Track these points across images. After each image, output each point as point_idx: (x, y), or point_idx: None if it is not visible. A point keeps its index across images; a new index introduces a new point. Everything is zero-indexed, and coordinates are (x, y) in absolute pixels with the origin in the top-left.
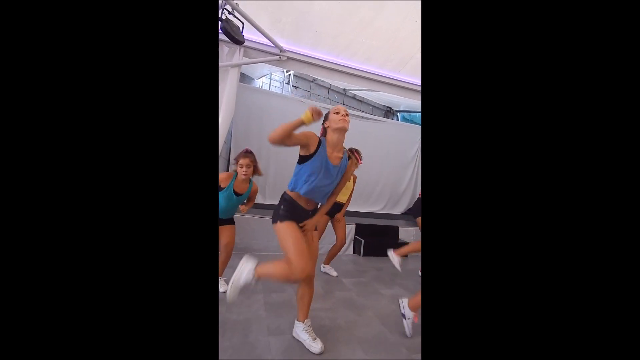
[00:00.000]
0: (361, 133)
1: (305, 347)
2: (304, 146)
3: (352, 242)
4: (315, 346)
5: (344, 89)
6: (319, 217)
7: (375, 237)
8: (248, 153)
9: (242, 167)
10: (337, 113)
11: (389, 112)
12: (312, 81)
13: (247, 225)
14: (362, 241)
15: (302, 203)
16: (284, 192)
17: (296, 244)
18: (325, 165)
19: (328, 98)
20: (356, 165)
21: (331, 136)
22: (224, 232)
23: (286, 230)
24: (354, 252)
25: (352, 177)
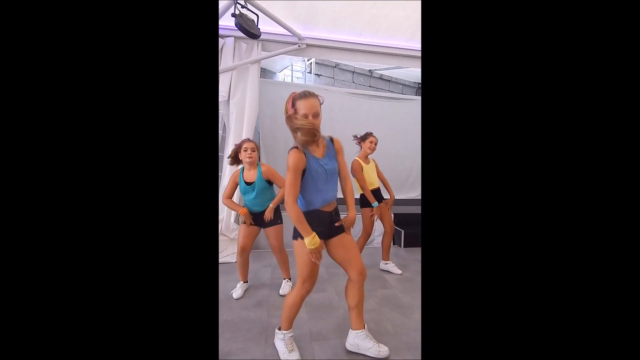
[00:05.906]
0: (390, 115)
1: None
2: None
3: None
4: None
5: (370, 70)
6: (353, 213)
7: (416, 227)
8: (250, 140)
9: (246, 151)
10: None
11: (421, 89)
12: (335, 66)
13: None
14: (402, 232)
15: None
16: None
17: (310, 264)
18: (317, 164)
19: (353, 82)
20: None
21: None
22: (270, 234)
23: (302, 248)
24: (393, 244)
25: (368, 161)
